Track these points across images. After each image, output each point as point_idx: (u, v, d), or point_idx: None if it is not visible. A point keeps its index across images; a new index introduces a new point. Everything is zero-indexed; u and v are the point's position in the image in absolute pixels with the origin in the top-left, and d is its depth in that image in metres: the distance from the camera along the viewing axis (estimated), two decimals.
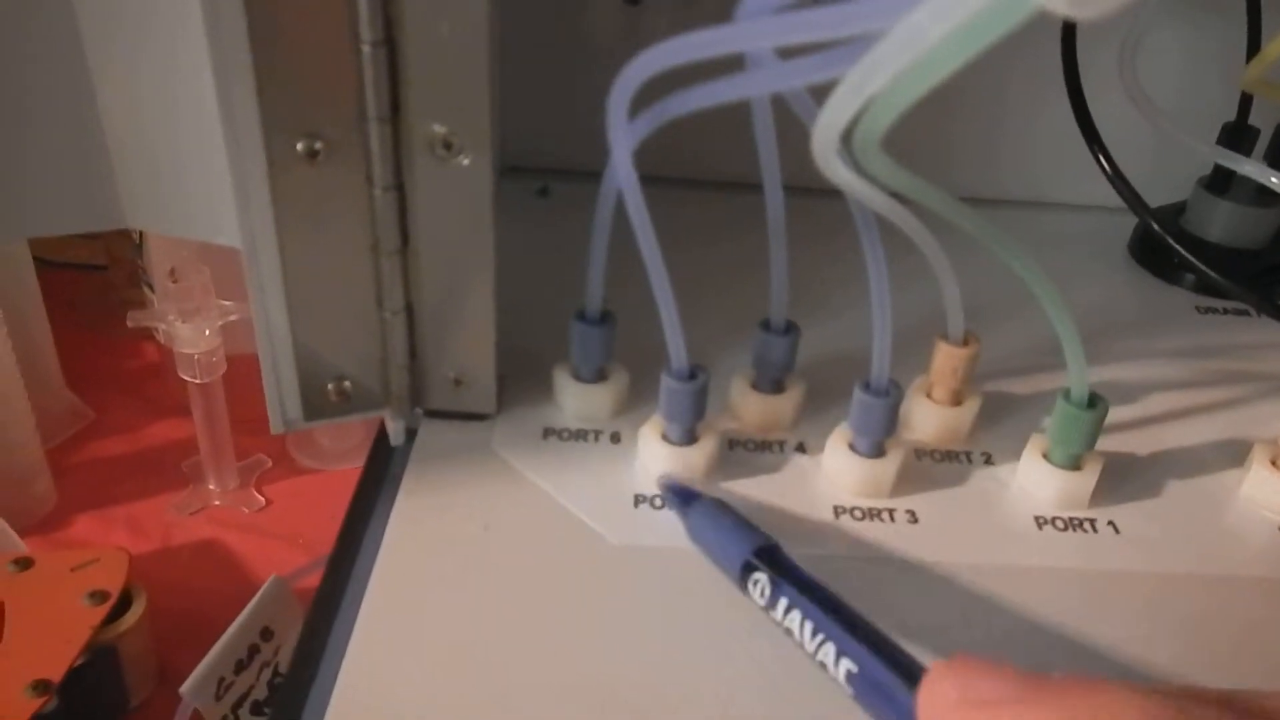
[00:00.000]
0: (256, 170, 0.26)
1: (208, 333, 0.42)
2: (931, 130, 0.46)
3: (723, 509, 0.28)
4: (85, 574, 0.36)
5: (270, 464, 0.48)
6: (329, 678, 0.25)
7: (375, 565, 0.28)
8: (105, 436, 0.49)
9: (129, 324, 0.42)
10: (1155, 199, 0.44)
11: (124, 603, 0.36)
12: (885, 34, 0.18)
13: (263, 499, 0.46)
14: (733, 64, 0.23)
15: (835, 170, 0.22)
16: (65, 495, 0.45)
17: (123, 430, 0.49)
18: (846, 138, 0.21)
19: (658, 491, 0.31)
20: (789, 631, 0.25)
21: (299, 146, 0.26)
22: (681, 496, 0.29)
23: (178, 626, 0.38)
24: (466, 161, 0.27)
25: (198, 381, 0.43)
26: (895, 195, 0.24)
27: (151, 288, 0.47)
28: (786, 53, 0.22)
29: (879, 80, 0.19)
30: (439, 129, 0.26)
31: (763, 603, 0.25)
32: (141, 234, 0.47)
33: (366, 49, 0.25)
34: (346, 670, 0.25)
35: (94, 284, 0.55)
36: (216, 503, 0.46)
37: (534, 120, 0.46)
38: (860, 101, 0.20)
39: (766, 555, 0.26)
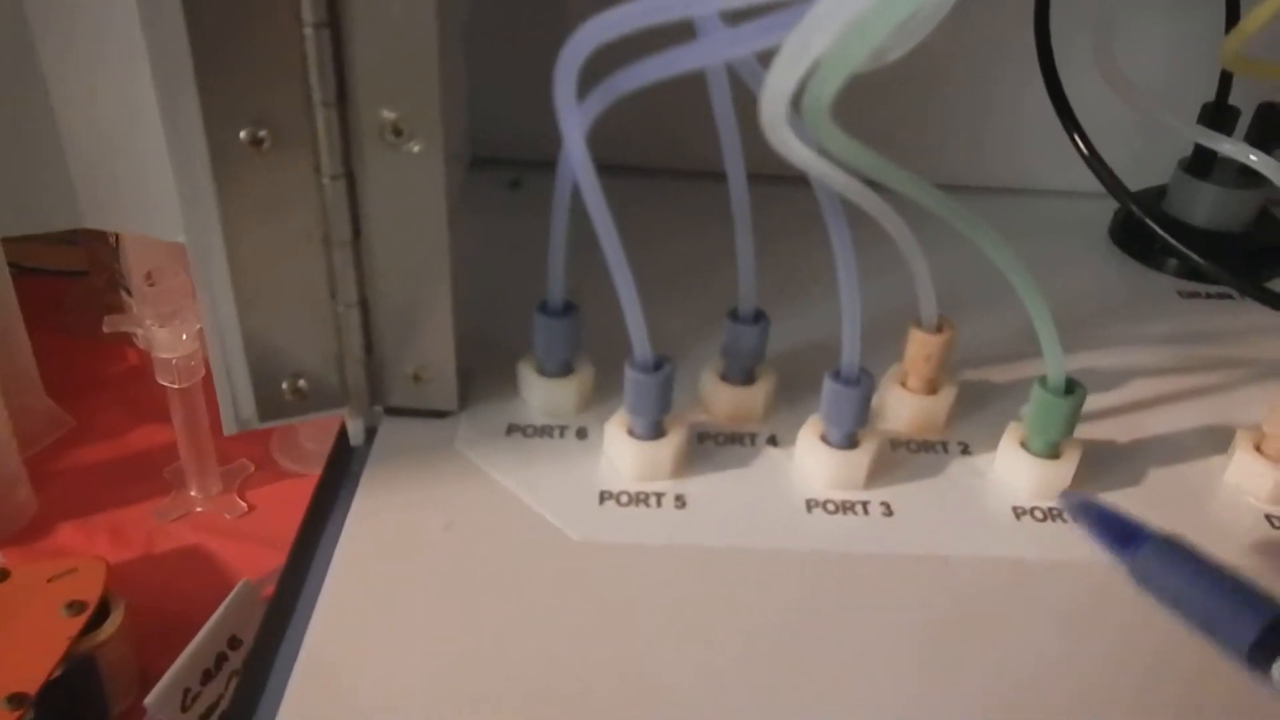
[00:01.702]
0: (199, 160, 0.25)
1: (185, 336, 0.42)
2: (916, 117, 0.46)
3: (1186, 553, 0.23)
4: (62, 584, 0.36)
5: (253, 469, 0.47)
6: (281, 683, 0.25)
7: (330, 567, 0.27)
8: (86, 443, 0.48)
9: (105, 329, 0.42)
10: (1140, 183, 0.43)
11: (102, 612, 0.36)
12: None
13: (245, 504, 0.46)
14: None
15: (787, 143, 0.22)
16: (46, 503, 0.45)
17: (104, 436, 0.49)
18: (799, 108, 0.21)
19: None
20: None
21: (242, 134, 0.25)
22: (1120, 532, 0.23)
23: (160, 634, 0.38)
24: (418, 148, 0.26)
25: (176, 387, 0.42)
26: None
27: (129, 292, 0.47)
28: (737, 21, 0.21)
29: (822, 40, 0.19)
30: (388, 114, 0.26)
31: None
32: (118, 237, 0.47)
33: (309, 30, 0.24)
34: (299, 674, 0.25)
35: (76, 290, 0.55)
36: (199, 509, 0.45)
37: (505, 110, 0.46)
38: (805, 64, 0.19)
39: None
